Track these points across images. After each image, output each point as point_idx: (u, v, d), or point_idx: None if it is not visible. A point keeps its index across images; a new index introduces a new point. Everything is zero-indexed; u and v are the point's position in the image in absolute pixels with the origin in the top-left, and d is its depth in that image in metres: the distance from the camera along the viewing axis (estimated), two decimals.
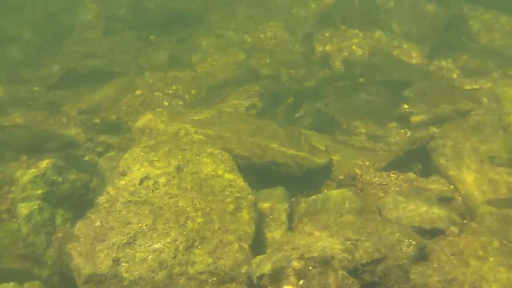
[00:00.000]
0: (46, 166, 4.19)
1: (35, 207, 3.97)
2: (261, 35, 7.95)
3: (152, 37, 7.83)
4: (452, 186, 4.37)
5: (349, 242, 3.55)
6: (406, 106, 5.19)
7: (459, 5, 6.96)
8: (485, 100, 5.70)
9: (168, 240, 3.57)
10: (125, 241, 3.54)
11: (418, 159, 4.90)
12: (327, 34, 7.53)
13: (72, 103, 6.28)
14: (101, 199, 3.85)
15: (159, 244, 3.52)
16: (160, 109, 6.20)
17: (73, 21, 8.80)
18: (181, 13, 7.37)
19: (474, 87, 5.95)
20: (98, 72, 6.94)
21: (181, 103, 6.46)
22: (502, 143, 4.63)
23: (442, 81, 6.08)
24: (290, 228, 4.26)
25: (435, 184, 4.41)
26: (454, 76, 6.50)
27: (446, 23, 6.84)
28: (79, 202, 4.29)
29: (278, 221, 4.27)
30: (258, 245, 3.91)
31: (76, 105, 6.18)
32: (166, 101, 6.42)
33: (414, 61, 6.80)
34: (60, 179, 4.22)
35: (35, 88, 6.96)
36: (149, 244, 3.52)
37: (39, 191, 4.06)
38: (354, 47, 7.19)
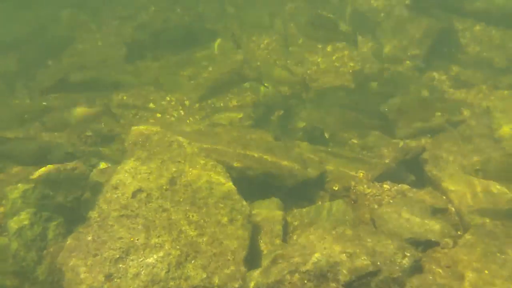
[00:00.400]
0: (37, 180, 4.13)
1: (26, 222, 3.90)
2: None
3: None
4: (445, 197, 4.39)
5: (344, 254, 3.54)
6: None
7: (449, 18, 7.07)
8: (476, 111, 5.78)
9: (161, 254, 3.52)
10: (117, 256, 3.49)
11: (411, 170, 4.93)
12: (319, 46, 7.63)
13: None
14: (93, 213, 3.80)
15: (152, 258, 3.47)
16: (153, 121, 6.19)
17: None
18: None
19: (458, 98, 6.06)
20: (92, 82, 6.90)
21: (175, 114, 6.45)
22: (490, 155, 4.68)
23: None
24: (284, 240, 4.25)
25: (428, 195, 4.42)
26: (445, 87, 6.57)
27: (437, 36, 6.94)
28: (71, 216, 4.23)
29: (273, 233, 4.25)
30: (252, 258, 3.88)
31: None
32: (159, 113, 6.41)
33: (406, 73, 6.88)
34: (51, 193, 4.17)
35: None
36: (142, 259, 3.47)
37: (30, 206, 4.00)
38: (345, 59, 7.26)
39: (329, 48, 7.56)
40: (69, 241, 3.61)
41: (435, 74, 6.80)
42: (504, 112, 5.48)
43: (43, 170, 4.28)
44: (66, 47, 8.37)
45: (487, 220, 4.00)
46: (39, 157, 4.22)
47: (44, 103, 6.44)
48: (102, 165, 4.80)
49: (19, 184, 4.11)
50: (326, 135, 5.60)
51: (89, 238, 3.61)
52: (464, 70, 6.72)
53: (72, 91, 6.43)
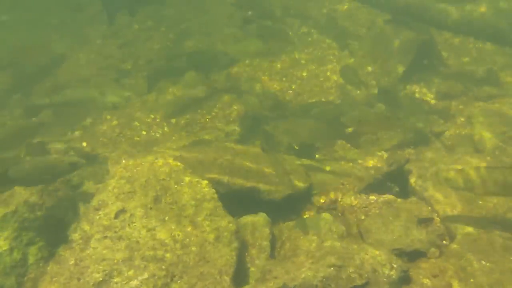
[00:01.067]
0: (17, 203, 4.02)
1: (5, 247, 3.77)
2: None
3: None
4: (430, 207, 4.41)
5: (331, 268, 3.51)
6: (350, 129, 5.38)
7: (428, 30, 7.25)
8: (457, 122, 5.89)
9: (146, 276, 3.44)
10: (100, 279, 3.40)
11: (395, 181, 4.96)
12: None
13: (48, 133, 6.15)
14: (75, 235, 3.71)
15: (136, 280, 3.39)
16: (138, 139, 6.14)
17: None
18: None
19: (440, 109, 6.18)
20: (77, 101, 6.85)
21: (160, 131, 6.41)
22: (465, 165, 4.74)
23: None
24: (272, 255, 4.20)
25: (413, 206, 4.44)
26: (427, 99, 6.69)
27: (417, 49, 7.09)
28: (54, 239, 4.11)
29: (260, 249, 4.21)
30: (240, 275, 3.82)
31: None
32: (144, 131, 6.36)
33: (388, 86, 6.99)
34: (32, 216, 4.05)
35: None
36: (126, 281, 3.39)
37: (10, 230, 3.87)
38: (328, 73, 7.36)
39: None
40: (50, 265, 3.51)
41: (416, 87, 6.93)
42: (485, 123, 5.60)
43: (23, 192, 4.17)
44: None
45: (472, 229, 4.02)
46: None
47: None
48: (85, 185, 4.72)
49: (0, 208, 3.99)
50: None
51: (71, 261, 3.52)
52: (445, 81, 6.86)
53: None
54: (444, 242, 4.10)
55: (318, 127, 5.08)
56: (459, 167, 4.64)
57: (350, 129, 5.31)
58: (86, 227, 3.76)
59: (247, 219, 4.48)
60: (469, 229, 4.06)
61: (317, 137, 5.21)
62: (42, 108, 6.73)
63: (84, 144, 5.83)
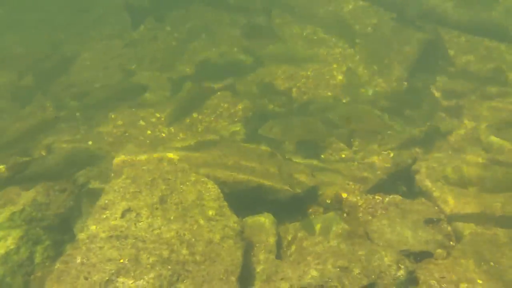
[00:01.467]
0: (24, 202, 4.04)
1: (12, 246, 3.80)
2: None
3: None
4: (437, 208, 4.38)
5: (338, 269, 3.50)
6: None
7: (435, 29, 7.19)
8: (465, 121, 5.84)
9: (152, 275, 3.44)
10: (106, 279, 3.40)
11: (402, 181, 4.93)
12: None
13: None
14: (81, 235, 3.72)
15: (142, 280, 3.39)
16: (143, 138, 6.15)
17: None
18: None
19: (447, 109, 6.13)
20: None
21: (165, 131, 6.41)
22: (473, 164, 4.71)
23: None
24: (278, 256, 4.19)
25: (420, 206, 4.41)
26: (434, 98, 6.63)
27: (424, 47, 7.03)
28: (60, 239, 4.14)
29: (266, 249, 4.19)
30: (246, 276, 3.81)
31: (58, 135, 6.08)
32: (149, 130, 6.37)
33: (394, 85, 6.96)
34: (39, 215, 4.08)
35: None
36: (132, 281, 3.39)
37: (17, 229, 3.90)
38: (334, 73, 7.33)
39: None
40: (57, 265, 3.51)
41: (422, 85, 6.87)
42: (493, 121, 5.55)
43: (31, 191, 4.19)
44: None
45: (480, 230, 3.99)
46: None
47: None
48: (91, 185, 4.73)
49: (7, 207, 4.01)
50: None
51: (78, 261, 3.52)
52: (452, 80, 6.80)
53: None
54: (451, 243, 4.07)
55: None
56: (465, 166, 4.62)
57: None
58: (93, 227, 3.77)
59: (253, 219, 4.47)
60: (476, 229, 4.03)
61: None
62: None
63: (90, 143, 5.85)
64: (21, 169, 4.32)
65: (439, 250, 3.88)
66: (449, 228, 4.16)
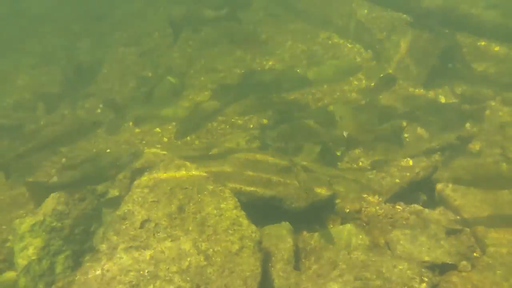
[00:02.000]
0: (45, 213, 4.08)
1: (34, 257, 3.84)
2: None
3: None
4: (459, 217, 4.28)
5: (359, 281, 3.44)
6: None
7: (452, 34, 7.07)
8: (486, 127, 5.71)
9: (172, 287, 3.43)
10: None
11: (422, 189, 4.83)
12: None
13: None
14: (102, 245, 3.73)
15: None
16: (160, 146, 6.17)
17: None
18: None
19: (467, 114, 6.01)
20: None
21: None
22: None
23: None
24: (296, 267, 4.13)
25: (442, 216, 4.32)
26: (452, 104, 6.51)
27: (441, 52, 6.92)
28: (80, 249, 4.17)
29: (284, 260, 4.14)
30: (264, 287, 3.77)
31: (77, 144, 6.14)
32: (166, 138, 6.40)
33: (411, 90, 6.86)
34: (59, 225, 4.11)
35: None
36: None
37: (38, 240, 3.94)
38: (351, 78, 7.26)
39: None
40: (77, 275, 3.53)
41: (440, 91, 6.77)
42: None
43: (50, 202, 4.23)
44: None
45: (505, 241, 3.88)
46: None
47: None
48: (110, 195, 4.76)
49: (27, 218, 4.06)
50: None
51: (98, 272, 3.54)
52: (471, 86, 6.67)
53: None
54: (475, 254, 3.97)
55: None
56: (486, 173, 4.51)
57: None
58: (112, 237, 3.78)
59: (271, 228, 4.43)
60: (501, 240, 3.91)
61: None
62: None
63: (108, 151, 5.90)
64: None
65: (463, 262, 3.78)
66: (472, 238, 4.06)
